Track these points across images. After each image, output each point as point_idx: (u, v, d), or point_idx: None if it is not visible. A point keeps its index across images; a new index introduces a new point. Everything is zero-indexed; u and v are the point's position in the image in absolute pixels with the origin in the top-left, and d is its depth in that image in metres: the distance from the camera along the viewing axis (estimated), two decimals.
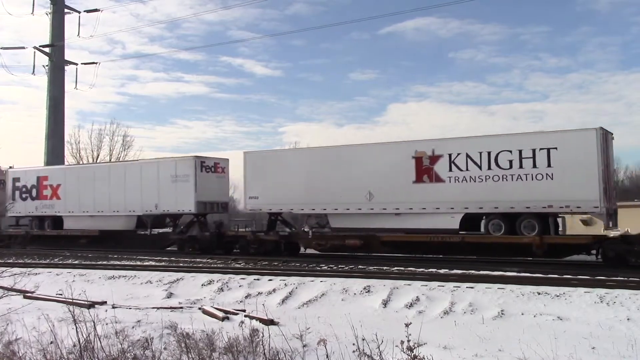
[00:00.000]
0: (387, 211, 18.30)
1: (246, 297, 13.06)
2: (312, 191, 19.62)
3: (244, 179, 21.29)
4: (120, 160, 23.97)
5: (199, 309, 11.90)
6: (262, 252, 20.27)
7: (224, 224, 23.81)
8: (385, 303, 11.62)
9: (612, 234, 16.59)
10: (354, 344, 7.08)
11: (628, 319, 9.57)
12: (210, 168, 23.16)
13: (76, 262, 20.76)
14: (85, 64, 40.75)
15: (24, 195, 27.75)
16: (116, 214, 24.58)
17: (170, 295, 13.84)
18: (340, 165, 19.29)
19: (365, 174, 18.70)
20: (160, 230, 25.42)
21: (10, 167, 29.57)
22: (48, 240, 27.04)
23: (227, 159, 24.21)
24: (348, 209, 19.02)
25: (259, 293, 13.08)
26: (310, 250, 21.11)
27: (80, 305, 10.91)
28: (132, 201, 23.91)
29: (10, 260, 20.72)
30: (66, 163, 39.30)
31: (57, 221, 26.94)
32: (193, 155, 22.92)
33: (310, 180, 19.69)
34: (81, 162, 44.88)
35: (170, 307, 12.29)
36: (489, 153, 16.83)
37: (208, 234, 22.41)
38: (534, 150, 16.21)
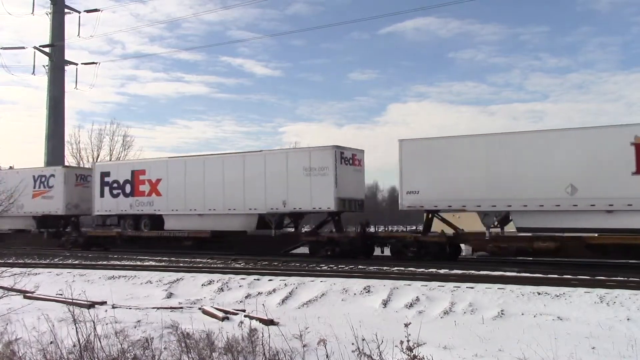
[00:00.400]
0: (595, 208, 15.56)
1: (246, 297, 13.05)
2: (493, 185, 17.01)
3: (400, 171, 18.53)
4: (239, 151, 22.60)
5: (199, 309, 11.89)
6: (422, 256, 17.94)
7: (370, 224, 20.76)
8: (385, 303, 11.61)
9: None
10: (353, 344, 7.09)
11: (628, 319, 9.57)
12: (348, 160, 20.35)
13: (76, 262, 20.73)
14: (85, 64, 40.87)
15: (114, 192, 25.00)
16: (232, 213, 21.66)
17: (170, 295, 13.83)
18: (532, 154, 16.59)
19: (565, 164, 16.06)
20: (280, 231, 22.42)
21: (99, 162, 28.11)
22: (144, 242, 24.64)
23: (363, 150, 21.37)
24: (542, 206, 16.25)
25: (259, 293, 13.07)
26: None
27: (80, 305, 10.92)
28: (253, 198, 21.03)
29: (10, 260, 20.70)
30: (66, 163, 39.22)
31: (156, 221, 24.03)
32: (332, 145, 20.09)
33: (491, 172, 17.07)
34: (81, 162, 44.86)
35: (170, 307, 12.28)
36: None
37: (352, 235, 19.87)
38: None
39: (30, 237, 28.71)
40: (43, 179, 27.31)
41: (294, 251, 22.71)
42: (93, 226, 28.54)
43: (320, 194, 19.65)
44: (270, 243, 21.97)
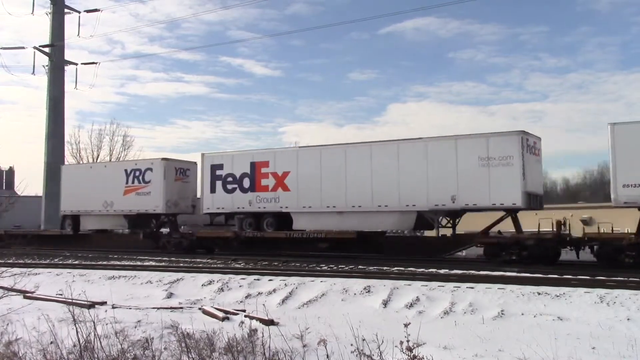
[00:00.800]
0: None
1: (246, 297, 13.06)
2: None
3: (612, 160, 15.64)
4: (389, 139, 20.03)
5: (199, 309, 11.90)
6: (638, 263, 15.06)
7: (567, 223, 17.38)
8: (385, 303, 11.62)
9: None
10: (353, 345, 7.09)
11: (628, 319, 9.58)
12: (531, 148, 17.47)
13: (76, 262, 20.72)
14: (85, 64, 40.78)
15: (229, 187, 22.00)
16: (384, 210, 18.77)
17: (170, 296, 13.84)
18: None
19: None
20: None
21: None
22: (266, 244, 21.35)
23: (540, 138, 18.40)
24: None
25: (259, 293, 13.08)
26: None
27: (80, 306, 10.93)
28: (410, 192, 18.16)
29: (11, 261, 20.69)
30: (66, 162, 39.15)
31: (282, 219, 21.05)
32: (518, 130, 17.19)
33: None
34: (81, 162, 44.81)
35: (171, 307, 12.29)
36: None
37: (548, 236, 16.74)
38: None
39: (116, 238, 26.53)
40: (137, 173, 24.36)
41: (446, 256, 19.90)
42: (190, 225, 25.83)
43: (502, 188, 16.89)
44: (429, 245, 19.72)
